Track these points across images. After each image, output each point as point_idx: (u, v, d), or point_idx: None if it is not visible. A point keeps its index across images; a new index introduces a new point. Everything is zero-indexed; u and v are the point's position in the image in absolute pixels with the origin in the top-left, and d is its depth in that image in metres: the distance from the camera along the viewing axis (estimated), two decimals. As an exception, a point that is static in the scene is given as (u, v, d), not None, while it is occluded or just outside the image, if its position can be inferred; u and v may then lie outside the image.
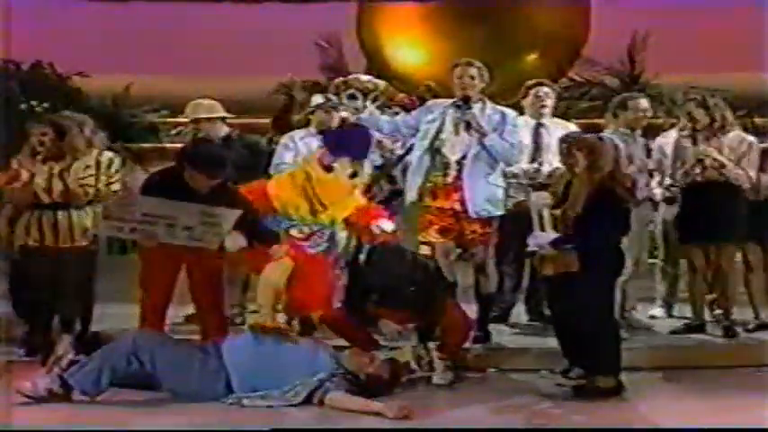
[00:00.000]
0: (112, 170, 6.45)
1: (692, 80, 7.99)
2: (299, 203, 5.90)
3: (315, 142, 6.46)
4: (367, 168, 6.25)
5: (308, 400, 5.45)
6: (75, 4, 10.63)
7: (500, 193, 6.34)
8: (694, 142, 6.63)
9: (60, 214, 6.32)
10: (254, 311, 6.11)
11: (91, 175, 6.38)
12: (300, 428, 5.09)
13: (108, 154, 6.56)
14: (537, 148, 6.70)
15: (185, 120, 7.00)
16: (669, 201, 6.78)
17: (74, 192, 6.29)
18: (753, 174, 6.58)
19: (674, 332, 6.71)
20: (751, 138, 6.67)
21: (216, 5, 11.03)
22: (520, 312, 7.00)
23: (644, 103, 6.87)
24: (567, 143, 6.05)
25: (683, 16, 10.92)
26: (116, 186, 6.46)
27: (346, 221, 6.04)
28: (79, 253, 6.34)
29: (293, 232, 5.92)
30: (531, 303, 6.83)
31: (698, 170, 6.56)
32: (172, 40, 11.18)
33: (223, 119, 6.88)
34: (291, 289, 5.90)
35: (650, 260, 7.20)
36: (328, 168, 5.92)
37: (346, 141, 6.05)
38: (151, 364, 5.40)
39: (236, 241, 5.85)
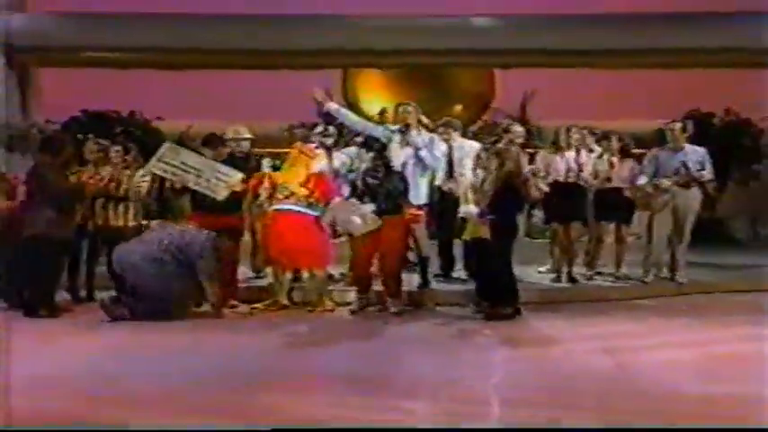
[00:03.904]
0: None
1: (570, 122, 9.16)
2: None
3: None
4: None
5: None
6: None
7: (425, 189, 7.82)
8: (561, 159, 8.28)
9: (121, 204, 7.88)
10: None
11: (145, 181, 7.87)
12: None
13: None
14: (450, 162, 8.11)
15: (227, 149, 8.03)
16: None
17: (133, 190, 7.85)
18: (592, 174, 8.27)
19: (553, 281, 8.41)
20: (593, 145, 8.38)
21: (247, 72, 13.13)
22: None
23: (518, 129, 8.16)
24: (485, 151, 7.25)
25: (562, 76, 12.91)
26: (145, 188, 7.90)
27: (305, 185, 7.32)
28: (131, 231, 7.77)
29: (279, 195, 7.36)
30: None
31: (568, 176, 8.21)
32: (221, 95, 13.47)
33: (250, 141, 8.08)
34: (279, 244, 7.22)
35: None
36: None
37: None
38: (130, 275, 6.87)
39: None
